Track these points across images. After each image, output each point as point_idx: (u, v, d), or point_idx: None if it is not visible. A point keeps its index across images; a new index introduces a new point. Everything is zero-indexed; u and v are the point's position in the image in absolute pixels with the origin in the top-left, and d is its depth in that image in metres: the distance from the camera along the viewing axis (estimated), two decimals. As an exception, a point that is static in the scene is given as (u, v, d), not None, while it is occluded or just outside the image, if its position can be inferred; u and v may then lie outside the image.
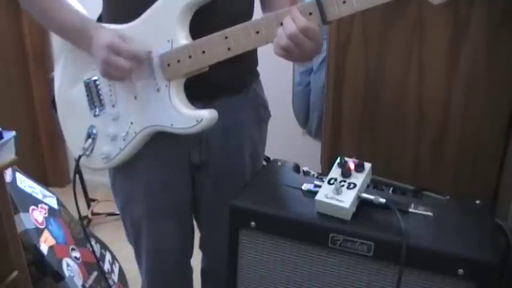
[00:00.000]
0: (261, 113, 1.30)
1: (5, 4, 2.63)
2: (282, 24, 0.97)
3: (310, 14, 0.96)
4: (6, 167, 1.54)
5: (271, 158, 1.36)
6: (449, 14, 1.25)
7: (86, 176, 2.59)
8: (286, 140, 2.20)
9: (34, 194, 1.86)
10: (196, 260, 1.45)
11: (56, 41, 1.22)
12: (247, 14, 1.19)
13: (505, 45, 1.24)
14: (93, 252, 1.82)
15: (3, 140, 1.49)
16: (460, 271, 0.96)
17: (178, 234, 1.32)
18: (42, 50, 2.80)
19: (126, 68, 1.05)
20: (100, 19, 1.20)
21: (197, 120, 1.08)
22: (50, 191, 1.98)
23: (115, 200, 1.33)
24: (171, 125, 1.11)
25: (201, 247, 1.44)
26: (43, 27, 1.22)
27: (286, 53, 0.98)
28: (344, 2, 0.94)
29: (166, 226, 1.29)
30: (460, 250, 0.98)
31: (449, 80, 1.30)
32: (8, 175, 1.74)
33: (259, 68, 1.30)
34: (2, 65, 2.68)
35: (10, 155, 1.52)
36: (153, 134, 1.16)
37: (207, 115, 1.08)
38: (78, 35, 1.13)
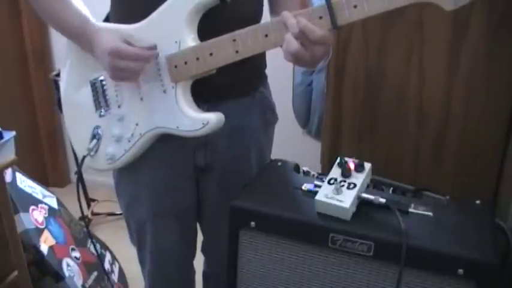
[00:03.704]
0: (268, 116, 1.30)
1: (5, 4, 2.64)
2: (285, 25, 0.96)
3: (321, 18, 0.95)
4: (6, 167, 1.54)
5: (272, 158, 1.36)
6: (449, 14, 1.24)
7: (87, 176, 2.58)
8: (286, 140, 2.19)
9: (34, 194, 1.86)
10: (199, 262, 1.45)
11: (63, 41, 1.22)
12: (257, 17, 1.18)
13: (504, 46, 1.24)
14: (96, 250, 1.82)
15: (3, 140, 1.49)
16: (460, 271, 0.96)
17: (182, 236, 1.32)
18: (42, 50, 2.80)
19: (134, 69, 1.05)
20: (107, 19, 1.20)
21: (203, 123, 1.07)
22: (50, 191, 1.98)
23: (119, 201, 1.33)
24: (177, 127, 1.10)
25: (203, 250, 1.43)
26: (44, 27, 1.22)
27: (296, 58, 0.97)
28: (355, 6, 0.92)
29: (170, 228, 1.29)
30: (460, 250, 0.98)
31: (450, 80, 1.30)
32: (8, 175, 1.74)
33: (258, 69, 1.30)
34: (2, 65, 2.68)
35: (10, 155, 1.52)
36: (158, 136, 1.15)
37: (213, 118, 1.08)
38: (79, 37, 1.14)
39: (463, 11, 1.23)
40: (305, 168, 1.28)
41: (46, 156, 3.02)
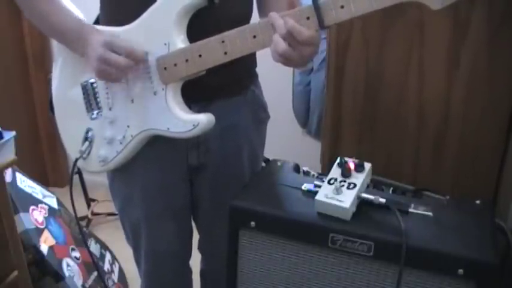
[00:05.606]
0: (259, 115, 1.30)
1: (5, 4, 2.64)
2: (273, 26, 0.96)
3: (308, 18, 0.95)
4: (6, 167, 1.54)
5: (271, 158, 1.36)
6: (449, 14, 1.24)
7: (86, 176, 2.59)
8: (286, 140, 2.20)
9: (34, 194, 1.86)
10: (196, 261, 1.45)
11: (55, 43, 1.22)
12: (246, 18, 1.18)
13: (505, 46, 1.24)
14: (90, 253, 1.82)
15: (3, 140, 1.49)
16: (460, 271, 0.96)
17: (177, 236, 1.32)
18: (42, 50, 2.80)
19: (122, 64, 1.04)
20: (97, 21, 1.20)
21: (194, 125, 1.08)
22: (50, 191, 1.98)
23: (113, 202, 1.33)
24: (168, 129, 1.10)
25: (199, 249, 1.43)
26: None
27: (285, 59, 0.97)
28: (342, 7, 0.92)
29: (165, 228, 1.29)
30: (460, 250, 0.98)
31: (450, 80, 1.30)
32: (8, 175, 1.74)
33: (258, 69, 1.30)
34: (2, 65, 2.68)
35: (10, 155, 1.52)
36: (150, 138, 1.15)
37: (203, 119, 1.08)
38: (74, 38, 1.13)
39: (463, 11, 1.23)
40: (305, 168, 1.28)
41: (46, 157, 3.02)
